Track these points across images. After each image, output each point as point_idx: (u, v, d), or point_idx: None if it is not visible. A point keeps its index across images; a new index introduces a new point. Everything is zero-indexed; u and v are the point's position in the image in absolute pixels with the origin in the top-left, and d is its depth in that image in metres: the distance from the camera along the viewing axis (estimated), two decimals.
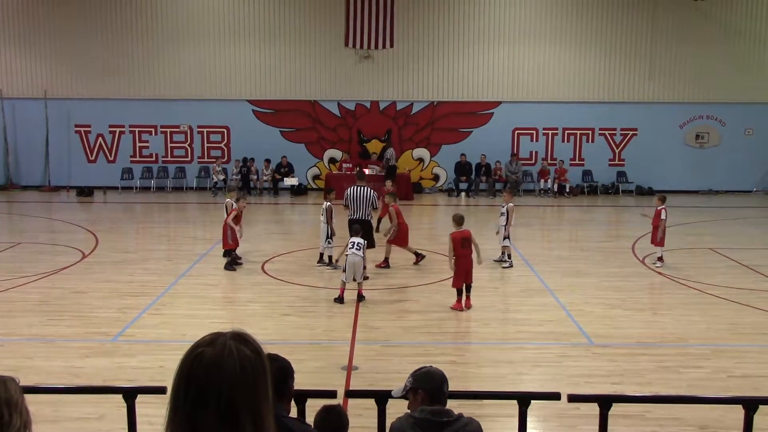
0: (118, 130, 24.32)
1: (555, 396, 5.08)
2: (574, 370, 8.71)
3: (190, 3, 23.78)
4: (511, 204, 14.33)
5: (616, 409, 4.88)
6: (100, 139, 24.37)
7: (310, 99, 24.07)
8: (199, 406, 1.88)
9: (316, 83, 23.90)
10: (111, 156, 24.43)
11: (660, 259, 14.15)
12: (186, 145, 24.48)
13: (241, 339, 1.99)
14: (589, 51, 23.92)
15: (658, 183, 24.25)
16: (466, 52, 23.90)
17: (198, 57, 23.74)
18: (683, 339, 9.95)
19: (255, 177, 23.73)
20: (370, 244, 12.96)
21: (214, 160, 24.07)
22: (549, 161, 24.36)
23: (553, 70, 23.98)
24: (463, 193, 23.91)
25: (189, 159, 24.49)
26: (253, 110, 24.13)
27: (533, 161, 24.60)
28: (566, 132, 24.53)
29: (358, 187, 13.27)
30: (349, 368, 8.76)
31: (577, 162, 24.57)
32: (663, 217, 14.20)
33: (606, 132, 24.54)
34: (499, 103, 24.18)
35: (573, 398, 4.99)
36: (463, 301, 11.06)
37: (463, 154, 23.98)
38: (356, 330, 10.21)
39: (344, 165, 23.45)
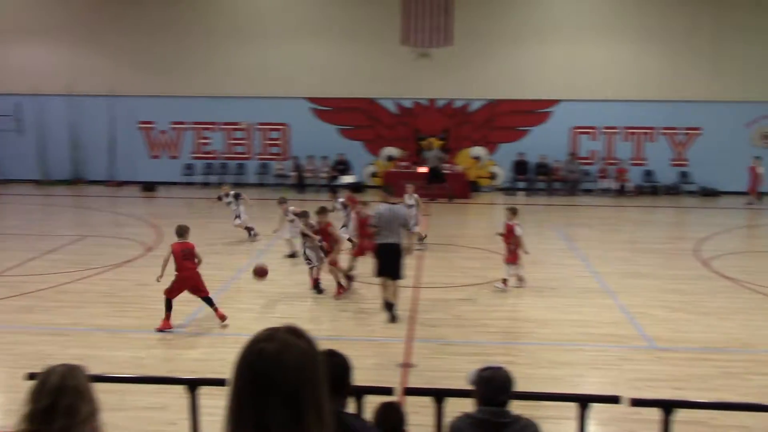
0: (180, 126, 24.85)
1: (614, 399, 5.00)
2: (634, 374, 8.54)
3: (251, 1, 24.12)
4: (416, 195, 14.77)
5: (679, 415, 4.77)
6: (163, 135, 24.94)
7: (368, 97, 24.15)
8: (265, 402, 1.91)
9: (374, 81, 23.97)
10: (173, 152, 24.97)
11: (505, 281, 12.15)
12: (246, 142, 24.86)
13: (296, 333, 2.02)
14: (650, 47, 23.38)
15: (724, 184, 23.59)
16: (525, 50, 23.65)
17: (258, 55, 24.06)
18: (749, 344, 9.66)
19: (311, 174, 23.93)
20: (398, 275, 10.72)
21: (274, 156, 24.46)
22: (609, 161, 23.94)
23: (614, 67, 23.52)
24: (520, 192, 23.68)
25: (249, 156, 24.86)
26: (311, 108, 24.34)
27: (592, 161, 24.20)
28: (627, 131, 24.06)
29: (391, 206, 10.89)
30: (406, 365, 8.77)
31: (638, 162, 24.08)
32: (519, 233, 12.06)
33: (668, 131, 23.98)
34: (558, 101, 23.86)
35: (636, 402, 4.90)
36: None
37: (521, 153, 23.74)
38: (413, 327, 10.22)
39: (401, 163, 23.50)
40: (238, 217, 15.95)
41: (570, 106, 23.82)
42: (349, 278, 12.18)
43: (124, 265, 13.69)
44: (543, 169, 23.76)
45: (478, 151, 24.43)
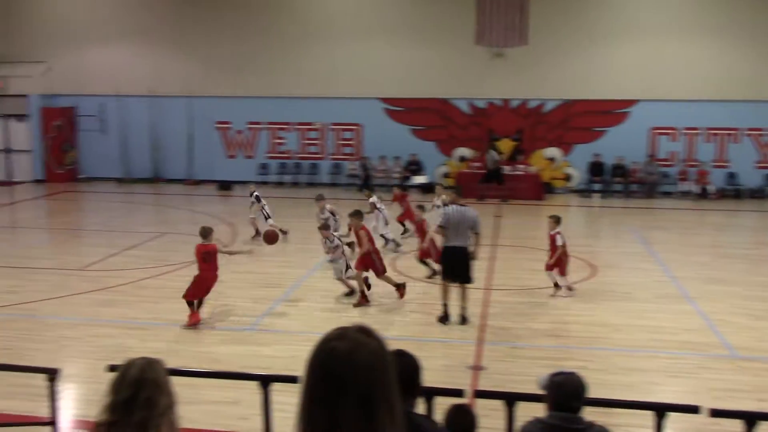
0: (256, 127, 25.32)
1: (693, 409, 4.83)
2: (714, 383, 8.26)
3: (323, 3, 24.37)
4: (444, 195, 14.57)
5: (762, 427, 4.58)
6: (239, 135, 25.46)
7: (442, 97, 24.07)
8: (336, 401, 1.92)
9: (448, 81, 23.86)
10: (249, 152, 25.46)
11: (569, 288, 11.84)
12: (319, 142, 25.14)
13: (367, 332, 2.03)
14: (735, 44, 22.50)
15: None
16: (601, 48, 23.13)
17: (332, 55, 24.27)
18: None
19: (383, 175, 23.98)
20: (467, 279, 10.49)
21: (347, 157, 24.67)
22: (689, 163, 23.20)
23: (696, 65, 22.74)
24: (596, 194, 23.19)
25: (322, 155, 25.13)
26: (384, 108, 24.43)
27: (672, 162, 23.50)
28: (709, 132, 23.27)
29: (459, 207, 10.51)
30: (476, 368, 8.71)
31: (720, 164, 23.25)
32: (559, 243, 11.63)
33: (753, 132, 23.07)
34: (636, 101, 23.26)
35: (716, 413, 4.72)
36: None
37: (597, 154, 23.25)
38: (484, 330, 10.14)
39: (473, 164, 23.36)
40: (269, 217, 16.00)
41: (649, 106, 23.18)
42: (367, 286, 11.54)
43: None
44: (620, 170, 23.20)
45: (553, 152, 24.05)
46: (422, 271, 12.96)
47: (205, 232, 10.48)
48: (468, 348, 9.42)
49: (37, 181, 25.31)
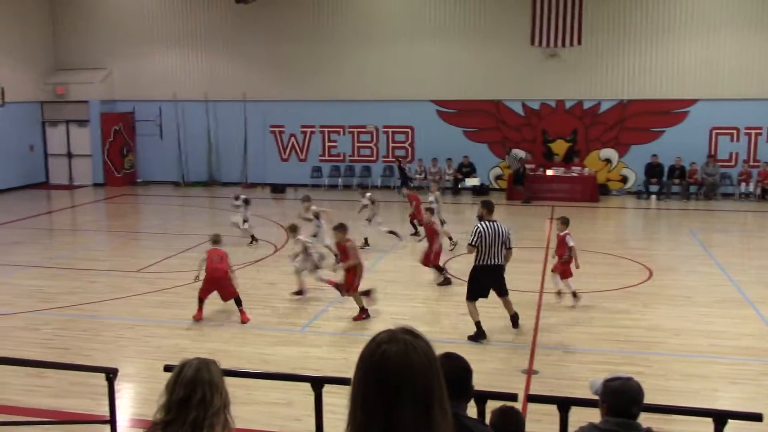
0: (309, 130, 25.52)
1: (756, 417, 4.70)
2: None
3: (374, 6, 24.43)
4: (437, 193, 15.56)
5: None
6: (292, 138, 25.70)
7: (495, 99, 23.89)
8: (393, 402, 1.92)
9: (501, 83, 23.67)
10: (302, 155, 25.68)
11: (575, 294, 11.18)
12: (372, 144, 25.19)
13: (413, 334, 2.04)
14: None
15: None
16: (658, 46, 22.63)
17: (383, 59, 24.31)
18: None
19: (432, 177, 23.90)
20: (504, 292, 9.98)
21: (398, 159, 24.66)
22: (751, 163, 22.53)
23: (756, 62, 22.06)
24: (653, 196, 22.71)
25: (374, 158, 25.18)
26: (437, 110, 24.37)
27: (733, 163, 22.86)
28: None
29: (492, 223, 9.80)
30: (530, 372, 8.62)
31: None
32: (571, 243, 11.19)
33: None
34: (696, 100, 22.70)
35: None
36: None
37: (654, 155, 22.77)
38: (537, 333, 10.03)
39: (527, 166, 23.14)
40: (246, 221, 16.11)
41: (709, 106, 22.58)
42: (367, 293, 10.99)
43: (254, 264, 14.20)
44: (678, 171, 22.66)
45: (609, 153, 23.65)
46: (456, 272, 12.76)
47: (216, 239, 11.31)
48: (521, 352, 9.32)
49: (97, 185, 25.98)
